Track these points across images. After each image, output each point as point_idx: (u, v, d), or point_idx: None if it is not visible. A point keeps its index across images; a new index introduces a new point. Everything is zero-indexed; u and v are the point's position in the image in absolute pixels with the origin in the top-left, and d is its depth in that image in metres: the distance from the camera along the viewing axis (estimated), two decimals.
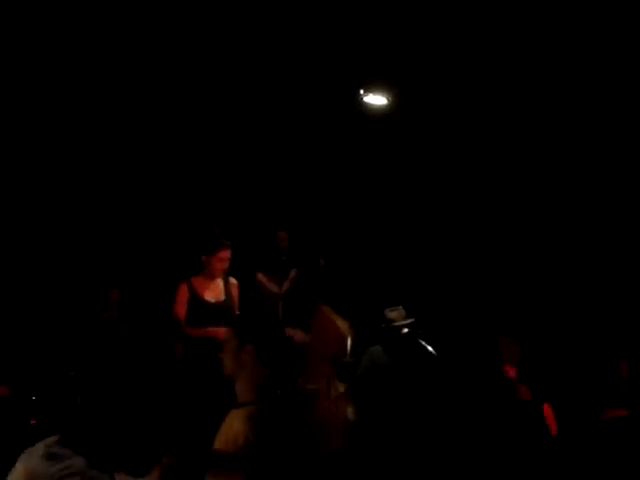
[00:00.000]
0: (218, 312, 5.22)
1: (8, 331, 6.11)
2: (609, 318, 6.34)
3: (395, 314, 5.81)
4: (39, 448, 1.88)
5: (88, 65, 6.93)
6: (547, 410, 5.10)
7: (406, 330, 5.68)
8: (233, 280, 5.45)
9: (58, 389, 5.51)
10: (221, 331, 4.66)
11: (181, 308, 5.20)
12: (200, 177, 7.83)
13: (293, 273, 7.57)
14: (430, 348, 5.46)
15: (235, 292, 5.45)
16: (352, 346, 5.65)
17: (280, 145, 7.93)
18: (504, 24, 6.52)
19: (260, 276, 6.54)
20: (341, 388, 5.59)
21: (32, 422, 5.24)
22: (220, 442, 2.68)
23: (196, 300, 5.21)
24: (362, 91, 7.22)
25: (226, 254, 5.22)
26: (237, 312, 5.37)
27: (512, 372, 5.36)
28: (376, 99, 7.29)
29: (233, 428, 2.70)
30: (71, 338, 6.14)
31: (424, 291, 7.35)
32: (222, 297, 5.35)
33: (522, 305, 6.96)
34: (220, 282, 5.36)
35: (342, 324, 5.83)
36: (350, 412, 5.49)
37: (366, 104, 7.33)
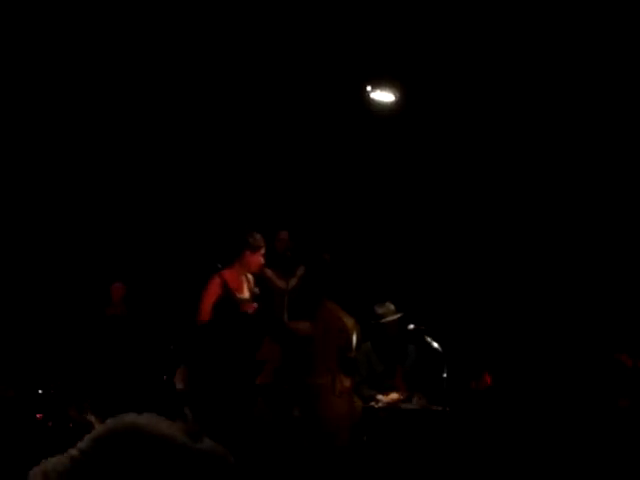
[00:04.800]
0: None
1: (13, 326, 6.13)
2: (609, 317, 6.34)
3: (384, 310, 5.83)
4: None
5: (88, 65, 6.94)
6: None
7: (412, 326, 5.68)
8: (250, 275, 5.55)
9: (63, 383, 5.53)
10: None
11: (208, 306, 5.22)
12: (205, 175, 7.83)
13: (300, 270, 7.56)
14: (435, 344, 5.45)
15: (251, 287, 5.58)
16: (357, 342, 5.67)
17: (287, 142, 7.92)
18: (513, 21, 6.50)
19: (267, 271, 6.53)
20: (346, 383, 5.62)
21: (38, 417, 5.25)
22: None
23: (228, 296, 5.27)
24: (369, 88, 7.20)
25: (264, 251, 5.46)
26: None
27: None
28: (383, 96, 7.27)
29: None
30: (74, 334, 6.17)
31: (428, 287, 7.35)
32: (247, 294, 5.45)
33: (522, 305, 6.97)
34: (244, 278, 5.48)
35: (348, 320, 5.85)
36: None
37: (373, 101, 7.30)
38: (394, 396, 5.66)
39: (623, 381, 5.73)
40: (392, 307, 5.84)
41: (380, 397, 5.67)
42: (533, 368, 6.57)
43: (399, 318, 5.78)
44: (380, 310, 5.83)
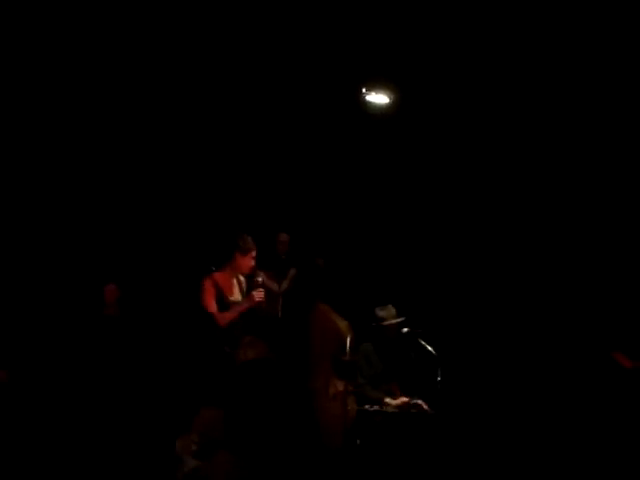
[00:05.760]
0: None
1: (10, 327, 6.11)
2: (607, 315, 6.34)
3: (385, 313, 5.84)
4: None
5: (88, 65, 6.92)
6: None
7: (406, 330, 5.69)
8: (242, 277, 5.59)
9: (59, 385, 5.53)
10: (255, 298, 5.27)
11: (212, 302, 5.30)
12: (201, 177, 7.82)
13: (292, 272, 7.57)
14: (429, 347, 5.46)
15: (243, 289, 5.63)
16: (351, 345, 5.66)
17: (281, 144, 7.91)
18: (506, 23, 6.51)
19: (260, 274, 6.55)
20: (340, 386, 5.61)
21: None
22: None
23: (220, 298, 5.31)
24: (364, 90, 7.20)
25: (255, 253, 5.48)
26: None
27: None
28: (378, 98, 7.28)
29: None
30: (69, 335, 6.16)
31: (422, 291, 7.34)
32: (239, 296, 5.48)
33: (521, 304, 6.97)
34: (235, 280, 5.52)
35: (341, 323, 5.84)
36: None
37: (368, 103, 7.31)
38: (404, 399, 5.65)
39: (620, 382, 5.72)
40: (394, 311, 5.84)
41: (388, 400, 5.66)
42: (529, 368, 6.58)
43: (400, 322, 5.77)
44: (381, 313, 5.83)
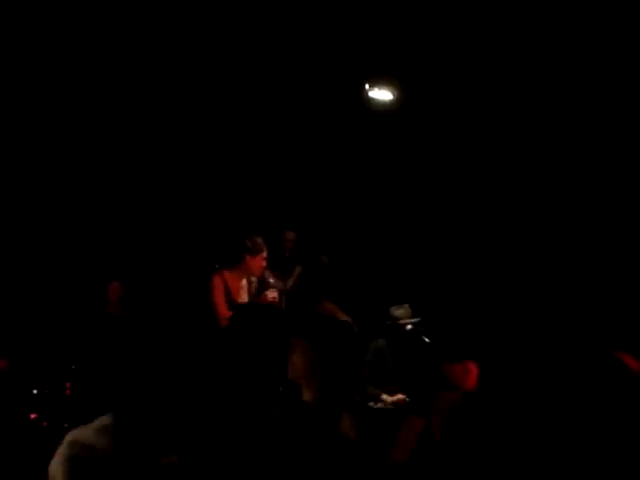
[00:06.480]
0: None
1: (11, 324, 6.11)
2: (608, 316, 6.30)
3: (401, 312, 5.80)
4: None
5: (88, 65, 6.91)
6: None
7: (410, 327, 5.66)
8: (253, 277, 5.55)
9: (59, 383, 5.51)
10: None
11: (222, 302, 5.24)
12: (205, 175, 7.81)
13: (297, 270, 7.54)
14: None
15: (252, 291, 5.61)
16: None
17: (284, 141, 7.90)
18: (509, 20, 6.48)
19: (265, 273, 6.52)
20: None
21: (32, 416, 5.23)
22: None
23: (228, 299, 5.26)
24: (367, 86, 7.19)
25: (266, 254, 5.43)
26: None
27: None
28: (381, 94, 7.26)
29: None
30: (71, 333, 6.15)
31: (427, 289, 7.31)
32: (247, 298, 5.46)
33: (523, 304, 6.93)
34: (245, 281, 5.48)
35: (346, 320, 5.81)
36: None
37: (371, 99, 7.29)
38: (400, 396, 5.60)
39: (625, 383, 5.65)
40: (410, 310, 5.80)
41: (385, 397, 5.61)
42: (532, 367, 6.53)
43: (416, 322, 5.73)
44: (397, 312, 5.78)
